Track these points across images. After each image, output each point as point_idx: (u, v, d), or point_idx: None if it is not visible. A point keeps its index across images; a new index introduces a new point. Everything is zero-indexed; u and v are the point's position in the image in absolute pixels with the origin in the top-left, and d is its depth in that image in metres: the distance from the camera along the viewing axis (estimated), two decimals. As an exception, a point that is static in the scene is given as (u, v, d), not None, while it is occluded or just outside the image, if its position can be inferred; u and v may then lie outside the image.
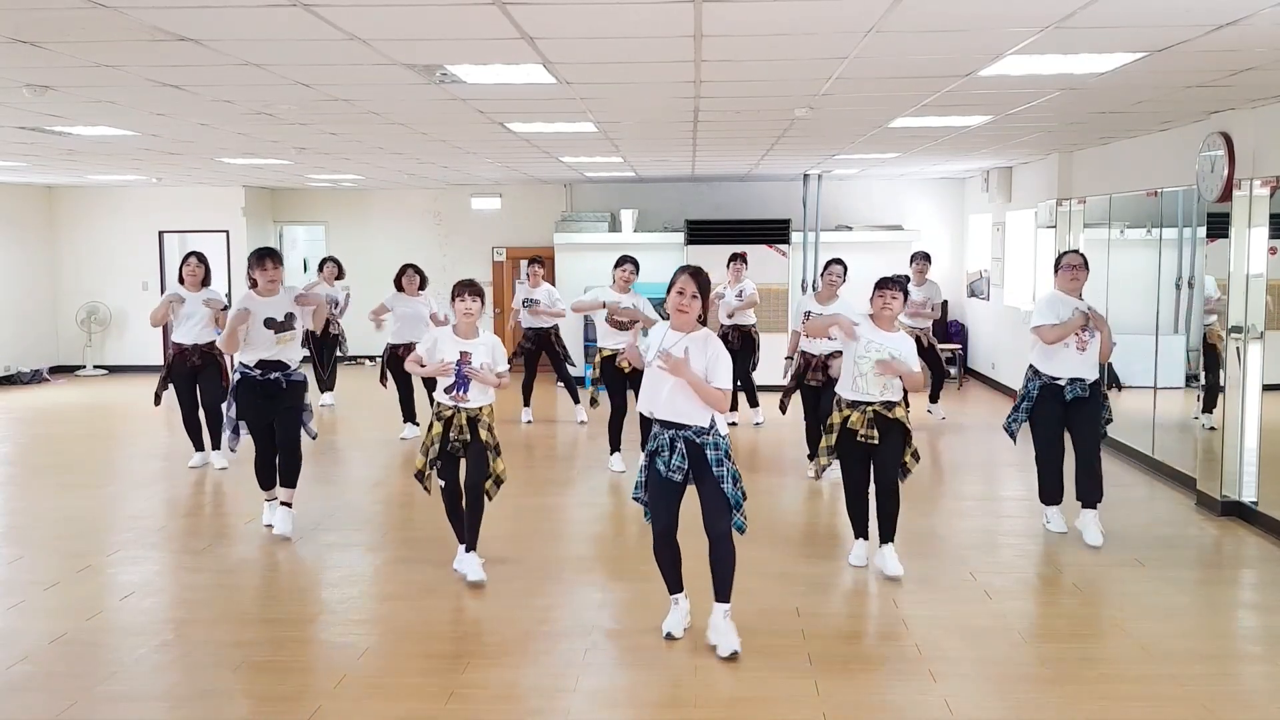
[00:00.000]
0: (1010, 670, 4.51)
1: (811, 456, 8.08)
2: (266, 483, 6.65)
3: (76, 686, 4.36)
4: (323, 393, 11.53)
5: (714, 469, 4.55)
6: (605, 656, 4.69)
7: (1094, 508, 6.27)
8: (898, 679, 4.44)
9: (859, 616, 5.30)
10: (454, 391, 5.53)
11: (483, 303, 5.66)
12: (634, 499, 4.88)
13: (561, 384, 10.72)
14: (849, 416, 5.62)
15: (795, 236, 13.00)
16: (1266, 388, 6.68)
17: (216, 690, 4.38)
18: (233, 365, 7.85)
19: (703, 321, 4.69)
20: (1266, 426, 6.69)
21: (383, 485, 8.17)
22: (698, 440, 4.57)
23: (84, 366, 14.79)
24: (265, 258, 6.46)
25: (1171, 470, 7.83)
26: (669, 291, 4.67)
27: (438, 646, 4.83)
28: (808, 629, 4.92)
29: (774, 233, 12.67)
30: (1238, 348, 6.73)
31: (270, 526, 6.60)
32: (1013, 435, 6.54)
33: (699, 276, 4.63)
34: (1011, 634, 4.90)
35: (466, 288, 5.59)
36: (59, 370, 14.76)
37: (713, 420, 4.59)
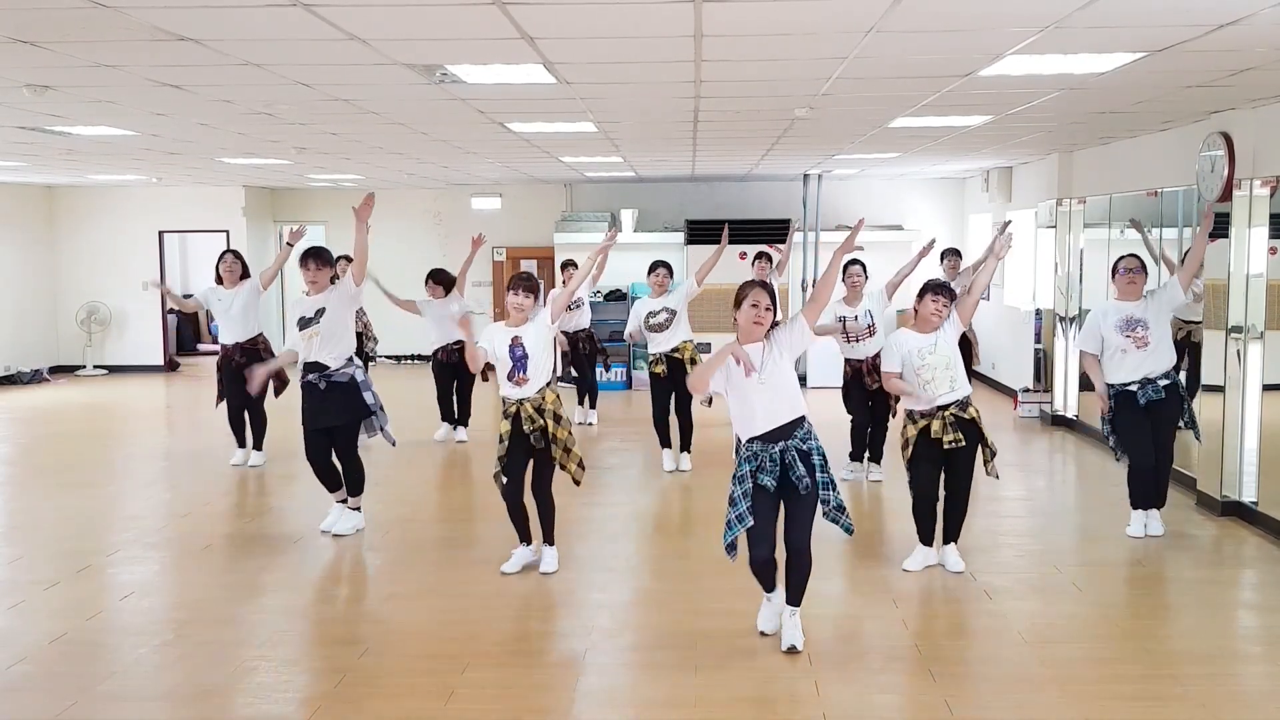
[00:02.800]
0: (1010, 670, 4.51)
1: (854, 457, 8.00)
2: (330, 486, 6.55)
3: (76, 686, 4.36)
4: None
5: (819, 473, 4.58)
6: (605, 656, 4.69)
7: (1160, 508, 6.37)
8: (898, 679, 4.45)
9: (859, 617, 5.29)
10: (514, 375, 5.53)
11: (536, 297, 5.64)
12: (731, 543, 4.61)
13: (575, 384, 10.70)
14: (927, 426, 5.55)
15: (795, 236, 12.98)
16: (1266, 388, 6.68)
17: (216, 690, 4.38)
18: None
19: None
20: (1266, 426, 6.69)
21: (384, 485, 8.16)
22: (804, 446, 4.58)
23: (84, 366, 14.79)
24: (309, 258, 6.37)
25: (1171, 470, 7.82)
26: (738, 307, 4.60)
27: (438, 646, 4.83)
28: (809, 629, 4.90)
29: (774, 233, 12.65)
30: (1238, 348, 6.73)
31: (332, 534, 6.51)
32: (1116, 453, 6.49)
33: (769, 288, 4.65)
34: (1011, 634, 4.90)
35: (522, 283, 5.60)
36: (59, 370, 14.76)
37: (804, 414, 4.62)
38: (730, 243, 11.36)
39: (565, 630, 4.99)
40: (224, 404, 8.43)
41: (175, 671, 4.57)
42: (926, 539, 5.80)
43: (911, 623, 5.04)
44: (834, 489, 4.64)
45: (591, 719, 4.10)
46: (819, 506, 4.62)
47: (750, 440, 4.58)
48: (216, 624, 5.14)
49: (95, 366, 14.82)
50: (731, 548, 4.58)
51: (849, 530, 4.72)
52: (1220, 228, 6.91)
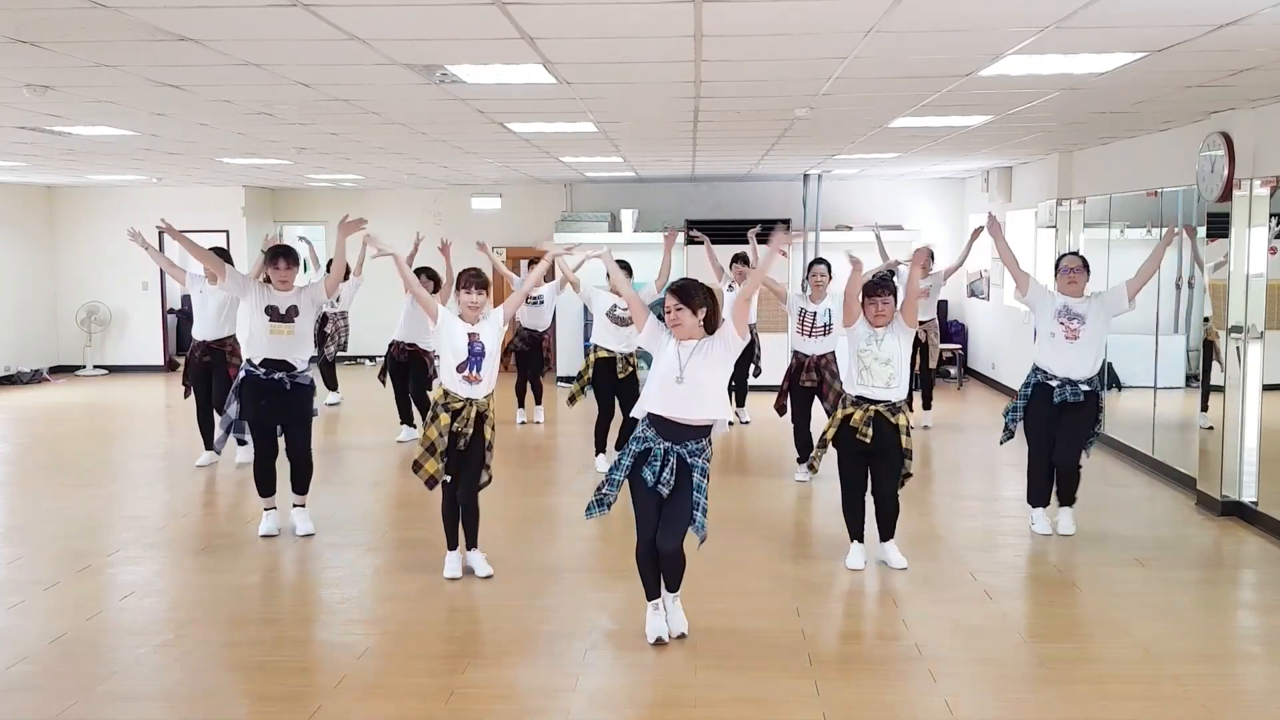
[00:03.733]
0: (1010, 670, 4.52)
1: (800, 460, 7.99)
2: (266, 489, 6.56)
3: (76, 686, 4.36)
4: (329, 391, 11.53)
5: (694, 490, 4.57)
6: (605, 656, 4.69)
7: (1070, 506, 6.44)
8: (898, 679, 4.45)
9: (859, 616, 5.30)
10: (466, 370, 5.48)
11: (488, 294, 5.63)
12: (602, 499, 4.70)
13: (534, 383, 10.59)
14: (851, 414, 5.64)
15: (795, 237, 13.00)
16: (1266, 388, 6.68)
17: (216, 690, 4.39)
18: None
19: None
20: (1266, 426, 6.69)
21: (382, 485, 8.17)
22: (689, 460, 4.57)
23: (84, 366, 14.79)
24: (279, 256, 6.35)
25: (1171, 470, 7.83)
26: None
27: (438, 646, 4.83)
28: (808, 629, 4.91)
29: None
30: (1238, 348, 6.74)
31: (267, 537, 6.51)
32: (1009, 432, 6.55)
33: (678, 291, 4.61)
34: (1011, 634, 4.91)
35: (473, 280, 5.56)
36: (59, 370, 14.76)
37: (709, 432, 4.62)
38: (730, 243, 11.40)
39: (565, 630, 4.99)
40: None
41: (175, 671, 4.56)
42: (853, 534, 5.86)
43: (911, 623, 5.04)
44: (702, 510, 4.57)
45: (591, 719, 4.10)
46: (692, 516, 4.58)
47: (650, 421, 4.61)
48: (216, 624, 5.13)
49: (95, 366, 14.81)
50: (588, 510, 4.70)
51: (702, 536, 4.62)
52: (1220, 228, 6.92)
